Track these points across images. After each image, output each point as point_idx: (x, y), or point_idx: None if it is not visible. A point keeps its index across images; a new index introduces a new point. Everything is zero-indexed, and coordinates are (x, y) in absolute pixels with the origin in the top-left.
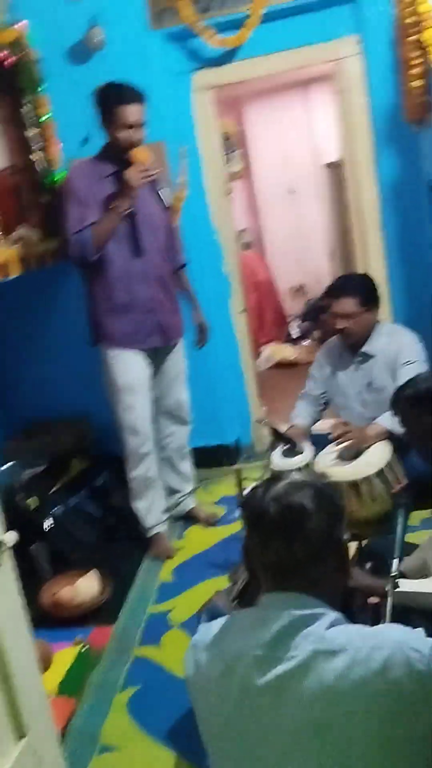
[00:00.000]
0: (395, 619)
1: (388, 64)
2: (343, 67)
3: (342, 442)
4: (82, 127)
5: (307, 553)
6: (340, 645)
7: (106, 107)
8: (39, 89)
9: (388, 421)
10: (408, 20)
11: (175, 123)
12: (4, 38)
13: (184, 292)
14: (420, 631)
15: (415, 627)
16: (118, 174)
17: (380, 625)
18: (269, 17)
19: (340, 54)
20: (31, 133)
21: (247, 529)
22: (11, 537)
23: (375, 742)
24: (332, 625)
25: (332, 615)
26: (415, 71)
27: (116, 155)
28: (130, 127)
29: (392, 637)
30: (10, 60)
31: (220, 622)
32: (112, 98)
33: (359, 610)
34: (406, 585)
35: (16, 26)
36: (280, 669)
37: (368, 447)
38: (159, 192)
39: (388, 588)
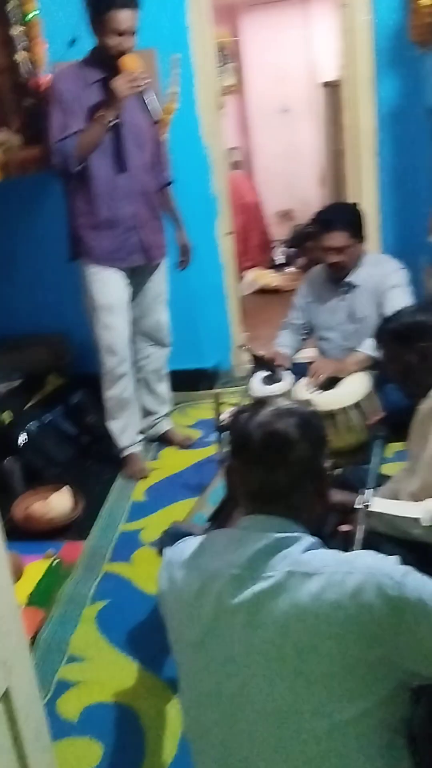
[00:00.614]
0: (367, 547)
1: None
2: None
3: (320, 374)
4: (70, 28)
5: (288, 480)
6: (316, 568)
7: (96, 11)
8: None
9: (369, 348)
10: None
11: (168, 29)
12: None
13: (169, 210)
14: (394, 558)
15: (388, 555)
16: (105, 81)
17: (356, 551)
18: None
19: None
20: (16, 31)
21: (231, 453)
22: None
23: (345, 663)
24: (309, 548)
25: (309, 539)
26: None
27: (104, 61)
28: (121, 34)
29: (366, 563)
30: None
31: (197, 540)
32: (104, 2)
33: (331, 535)
34: (379, 505)
35: None
36: (255, 588)
37: (347, 376)
38: (147, 104)
39: (360, 507)
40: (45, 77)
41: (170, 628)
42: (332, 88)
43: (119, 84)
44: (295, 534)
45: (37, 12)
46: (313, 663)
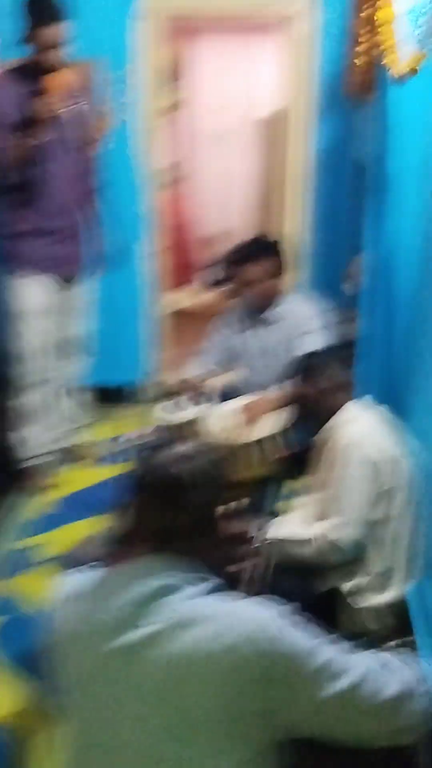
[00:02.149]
0: (264, 584)
1: (340, 30)
2: (296, 23)
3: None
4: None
5: (182, 524)
6: (194, 618)
7: (26, 24)
8: None
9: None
10: None
11: (113, 44)
12: None
13: (91, 218)
14: (278, 610)
15: (284, 592)
16: (34, 94)
17: (239, 602)
18: None
19: (295, 8)
20: None
21: (131, 489)
22: None
23: (219, 715)
24: (192, 596)
25: (195, 587)
26: (361, 47)
27: (34, 73)
28: (48, 48)
29: (247, 615)
30: None
31: (84, 578)
32: (34, 16)
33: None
34: (273, 533)
35: None
36: (132, 636)
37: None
38: (80, 120)
39: (256, 539)
40: None
41: (54, 664)
42: (269, 123)
43: (41, 106)
44: (182, 580)
45: None
46: (186, 715)
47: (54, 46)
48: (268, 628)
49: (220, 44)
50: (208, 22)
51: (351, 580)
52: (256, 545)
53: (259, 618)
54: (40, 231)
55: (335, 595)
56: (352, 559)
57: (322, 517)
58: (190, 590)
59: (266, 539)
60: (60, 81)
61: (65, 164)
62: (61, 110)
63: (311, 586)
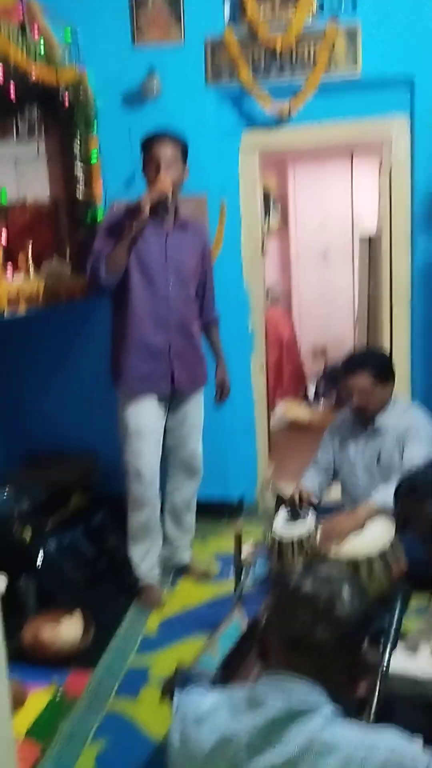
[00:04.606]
0: (383, 711)
1: None
2: (390, 145)
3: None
4: (127, 170)
5: (327, 638)
6: (335, 744)
7: (143, 149)
8: (91, 129)
9: (381, 497)
10: None
11: (220, 178)
12: (64, 77)
13: (213, 346)
14: (419, 741)
15: (405, 724)
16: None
17: (379, 729)
18: (324, 88)
19: (389, 133)
20: (77, 169)
21: (275, 599)
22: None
23: None
24: (328, 719)
25: (328, 709)
26: None
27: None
28: (159, 164)
29: (390, 744)
30: (66, 98)
31: (213, 695)
32: (148, 139)
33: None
34: (400, 666)
35: (76, 67)
36: (270, 758)
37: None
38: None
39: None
40: (100, 213)
41: None
42: (369, 240)
43: (142, 196)
44: (315, 703)
45: (98, 153)
46: None
47: (163, 160)
48: (416, 759)
49: (320, 169)
50: (306, 149)
51: None
52: (383, 675)
53: (404, 748)
54: (142, 347)
55: None
56: None
57: None
58: (326, 712)
59: (395, 672)
60: (161, 183)
61: (176, 285)
62: (153, 198)
63: None
